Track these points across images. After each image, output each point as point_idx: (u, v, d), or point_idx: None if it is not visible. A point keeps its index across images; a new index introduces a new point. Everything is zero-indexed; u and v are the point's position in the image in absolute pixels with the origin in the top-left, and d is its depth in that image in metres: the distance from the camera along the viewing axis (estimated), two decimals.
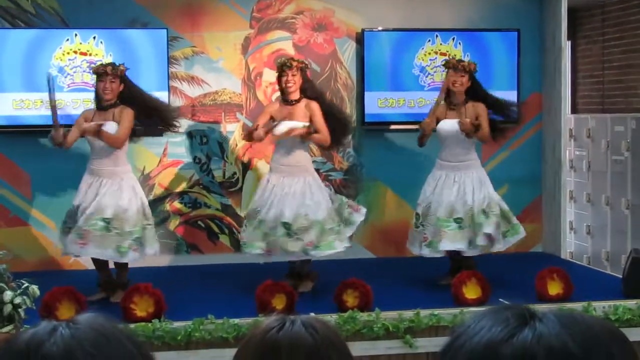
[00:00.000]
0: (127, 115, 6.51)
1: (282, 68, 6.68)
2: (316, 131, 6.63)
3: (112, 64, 6.62)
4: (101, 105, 6.57)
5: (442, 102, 6.91)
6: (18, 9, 7.79)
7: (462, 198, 6.80)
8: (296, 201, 6.62)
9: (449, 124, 6.85)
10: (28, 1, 7.79)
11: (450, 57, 7.52)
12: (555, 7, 8.27)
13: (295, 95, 6.70)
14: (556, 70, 8.31)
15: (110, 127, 6.48)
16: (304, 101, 6.70)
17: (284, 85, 6.70)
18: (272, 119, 6.71)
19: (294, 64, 6.68)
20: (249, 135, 6.85)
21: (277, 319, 1.66)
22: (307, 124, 6.61)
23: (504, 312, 1.16)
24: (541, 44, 8.53)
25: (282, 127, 6.60)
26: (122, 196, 6.46)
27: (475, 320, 1.17)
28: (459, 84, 6.84)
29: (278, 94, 7.03)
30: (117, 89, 6.53)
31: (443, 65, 7.13)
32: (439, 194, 6.83)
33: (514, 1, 8.49)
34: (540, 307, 1.22)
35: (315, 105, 6.70)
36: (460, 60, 7.02)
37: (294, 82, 6.66)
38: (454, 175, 6.85)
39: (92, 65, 6.98)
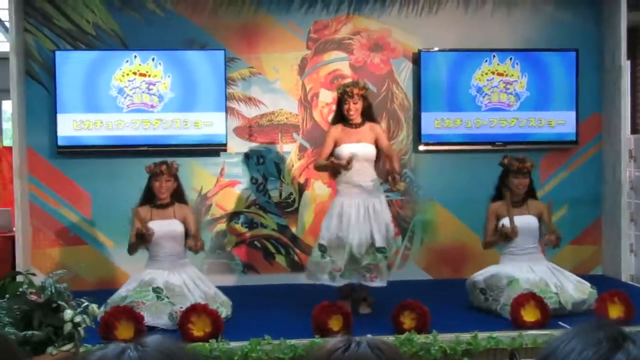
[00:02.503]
0: (192, 215, 6.62)
1: (343, 97, 6.62)
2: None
3: (166, 163, 6.56)
4: (155, 203, 6.54)
5: (503, 201, 6.78)
6: (79, 30, 7.93)
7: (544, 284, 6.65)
8: (381, 223, 6.58)
9: (519, 221, 6.75)
10: (89, 23, 7.93)
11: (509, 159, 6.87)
12: (614, 26, 8.17)
13: (358, 119, 6.66)
14: (616, 90, 8.20)
15: (176, 225, 6.53)
16: (367, 124, 6.66)
17: (345, 112, 6.63)
18: (336, 144, 6.66)
19: (355, 92, 6.60)
20: (326, 167, 6.71)
21: (342, 340, 1.65)
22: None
23: (596, 334, 1.13)
24: (600, 63, 8.43)
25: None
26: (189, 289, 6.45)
27: (565, 341, 1.14)
28: (522, 186, 6.80)
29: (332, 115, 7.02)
30: (172, 187, 6.58)
31: (504, 165, 6.83)
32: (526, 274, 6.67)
33: (572, 20, 8.41)
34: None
35: (379, 129, 6.74)
36: (522, 163, 6.83)
37: (356, 109, 6.62)
38: (527, 265, 6.74)
39: (146, 166, 6.64)
